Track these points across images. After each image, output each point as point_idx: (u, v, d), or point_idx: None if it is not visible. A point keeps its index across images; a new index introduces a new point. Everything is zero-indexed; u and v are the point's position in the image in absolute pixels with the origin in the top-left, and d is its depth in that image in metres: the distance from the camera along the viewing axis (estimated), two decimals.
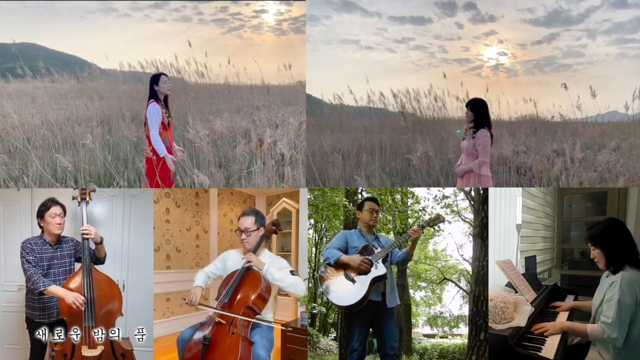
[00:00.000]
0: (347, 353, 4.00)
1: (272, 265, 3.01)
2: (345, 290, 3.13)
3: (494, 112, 5.78)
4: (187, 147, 4.53)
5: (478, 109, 3.50)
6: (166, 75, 3.83)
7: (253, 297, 2.89)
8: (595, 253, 2.68)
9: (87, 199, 3.22)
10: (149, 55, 6.03)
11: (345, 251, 3.30)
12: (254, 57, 5.85)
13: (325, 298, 5.13)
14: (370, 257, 3.17)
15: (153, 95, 3.74)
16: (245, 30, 6.22)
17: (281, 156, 4.31)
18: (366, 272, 3.13)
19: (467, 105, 3.54)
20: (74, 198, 3.24)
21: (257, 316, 2.95)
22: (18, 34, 5.70)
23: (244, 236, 3.08)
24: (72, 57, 6.58)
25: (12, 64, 5.57)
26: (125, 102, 5.75)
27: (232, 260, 3.18)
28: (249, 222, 3.08)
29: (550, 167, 4.48)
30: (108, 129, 5.19)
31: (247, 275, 2.99)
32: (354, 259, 3.17)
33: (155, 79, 3.77)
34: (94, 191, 3.32)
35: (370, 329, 3.34)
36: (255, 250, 3.08)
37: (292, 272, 3.03)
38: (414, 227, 3.23)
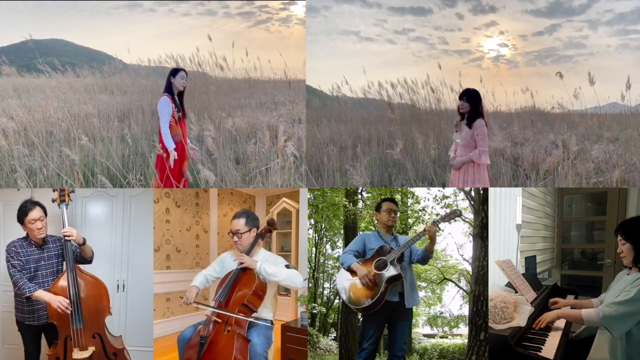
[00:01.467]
0: (347, 353, 4.03)
1: (266, 261, 3.02)
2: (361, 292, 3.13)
3: (492, 104, 5.75)
4: (202, 144, 4.49)
5: (474, 100, 3.48)
6: (185, 72, 3.82)
7: (248, 294, 2.92)
8: (624, 248, 2.68)
9: (66, 200, 3.20)
10: (172, 49, 6.02)
11: (363, 253, 3.30)
12: (282, 51, 5.73)
13: (325, 298, 5.14)
14: (384, 258, 3.17)
15: (167, 89, 3.75)
16: (273, 23, 6.09)
17: (299, 153, 4.28)
18: (368, 287, 3.12)
19: (461, 97, 3.50)
20: (53, 200, 3.21)
21: (254, 314, 2.97)
22: (46, 31, 5.74)
23: (235, 238, 3.09)
24: (98, 53, 6.58)
25: (40, 59, 5.62)
26: (146, 97, 5.75)
27: (229, 262, 3.20)
28: (239, 224, 3.08)
29: (547, 158, 4.46)
30: (128, 123, 5.21)
31: (242, 275, 3.02)
32: (360, 271, 3.17)
33: (174, 72, 3.78)
34: (73, 192, 3.31)
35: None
36: (249, 251, 3.09)
37: (287, 266, 3.04)
38: (428, 224, 3.22)
